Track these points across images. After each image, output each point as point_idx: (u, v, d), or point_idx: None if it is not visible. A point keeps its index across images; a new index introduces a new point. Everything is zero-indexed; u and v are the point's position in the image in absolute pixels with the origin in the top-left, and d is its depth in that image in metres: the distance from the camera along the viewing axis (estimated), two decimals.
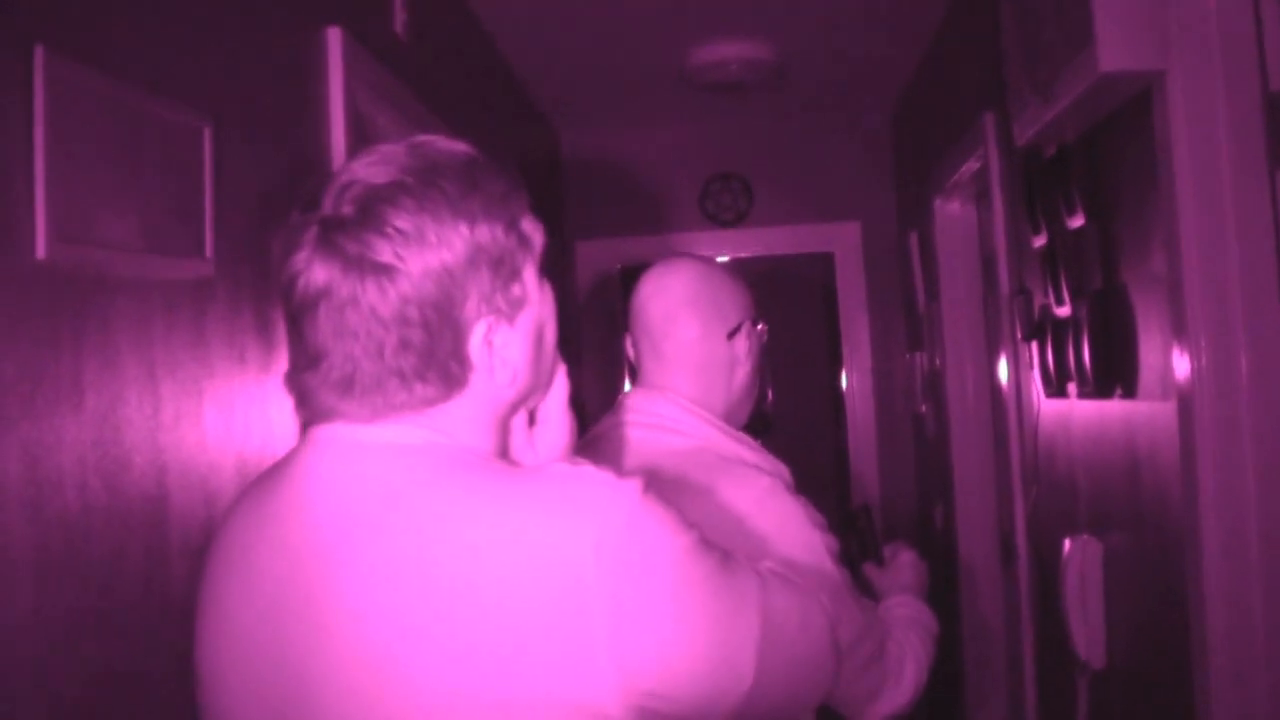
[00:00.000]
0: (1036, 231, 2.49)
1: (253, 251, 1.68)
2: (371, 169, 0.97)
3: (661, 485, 0.97)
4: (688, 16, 3.43)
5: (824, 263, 5.01)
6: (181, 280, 1.51)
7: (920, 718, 3.83)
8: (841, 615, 1.31)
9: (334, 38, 2.08)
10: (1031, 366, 2.63)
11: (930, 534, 4.14)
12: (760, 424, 1.81)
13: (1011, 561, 3.09)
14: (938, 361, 3.85)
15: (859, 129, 4.69)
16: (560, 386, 1.12)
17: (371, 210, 0.94)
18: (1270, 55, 1.69)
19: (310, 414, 1.00)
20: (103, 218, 1.31)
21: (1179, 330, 1.77)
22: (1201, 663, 1.74)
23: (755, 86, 3.90)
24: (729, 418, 1.67)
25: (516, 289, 1.01)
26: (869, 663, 1.49)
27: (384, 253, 0.93)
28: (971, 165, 3.21)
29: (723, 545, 0.98)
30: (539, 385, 1.08)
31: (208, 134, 1.54)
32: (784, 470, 1.62)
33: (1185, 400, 1.76)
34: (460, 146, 1.03)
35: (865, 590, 1.73)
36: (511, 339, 1.01)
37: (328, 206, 0.96)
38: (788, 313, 5.84)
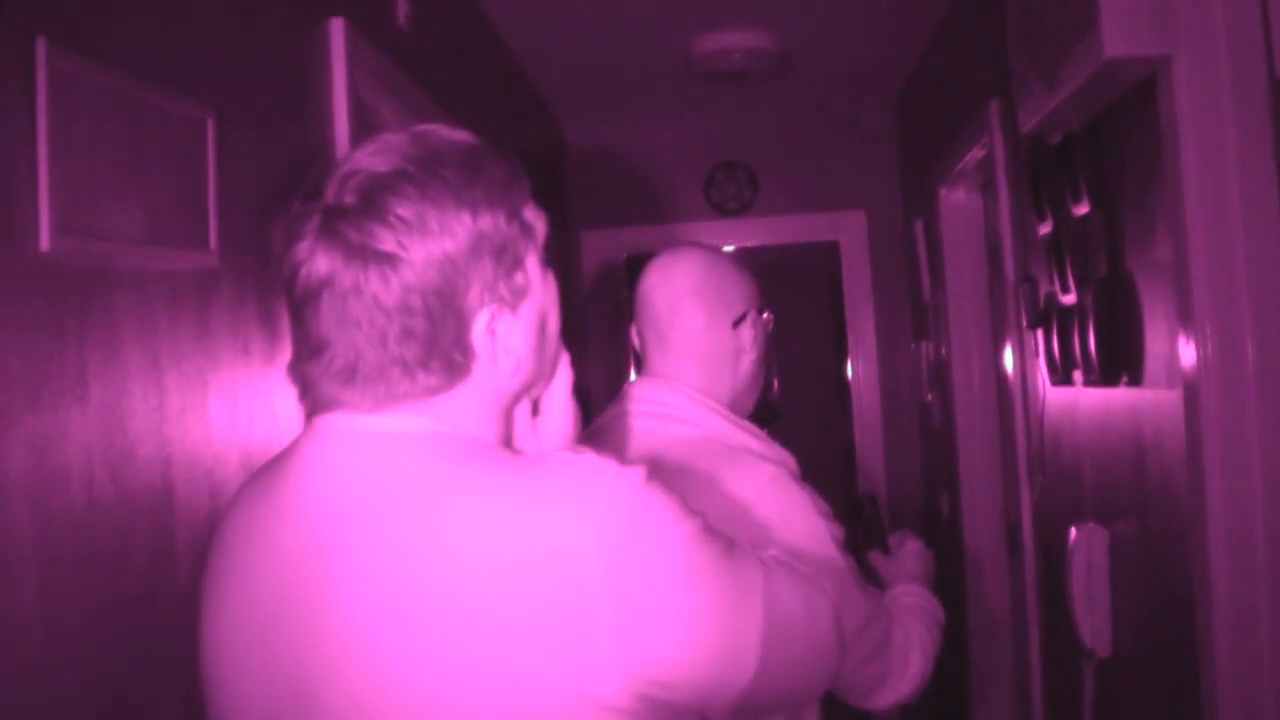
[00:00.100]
0: (1042, 219, 2.49)
1: (257, 243, 1.68)
2: (374, 158, 0.97)
3: (665, 474, 0.97)
4: (691, 5, 3.42)
5: (829, 252, 5.00)
6: (185, 272, 1.51)
7: (927, 706, 3.85)
8: (847, 603, 1.31)
9: (337, 28, 2.08)
10: (1037, 355, 2.62)
11: (936, 523, 4.14)
12: (766, 413, 1.81)
13: (1017, 550, 3.08)
14: (943, 350, 3.85)
15: (863, 117, 4.68)
16: (564, 375, 1.12)
17: (374, 199, 0.94)
18: (1276, 40, 1.68)
19: (313, 404, 1.00)
20: (106, 210, 1.31)
21: (1185, 318, 1.76)
22: (1207, 650, 1.73)
23: (759, 75, 3.89)
24: (735, 406, 1.67)
25: (519, 277, 1.00)
26: (874, 651, 1.49)
27: (387, 241, 0.93)
28: (976, 153, 3.20)
29: (727, 533, 0.98)
30: (542, 374, 1.08)
31: (211, 125, 1.54)
32: (789, 459, 1.62)
33: (1191, 388, 1.75)
34: (462, 135, 1.03)
35: (871, 579, 1.73)
36: (514, 328, 1.01)
37: (330, 195, 0.96)
38: (793, 302, 5.83)
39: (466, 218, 0.96)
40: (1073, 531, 2.27)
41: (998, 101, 2.88)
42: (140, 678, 1.36)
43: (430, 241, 0.94)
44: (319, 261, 0.94)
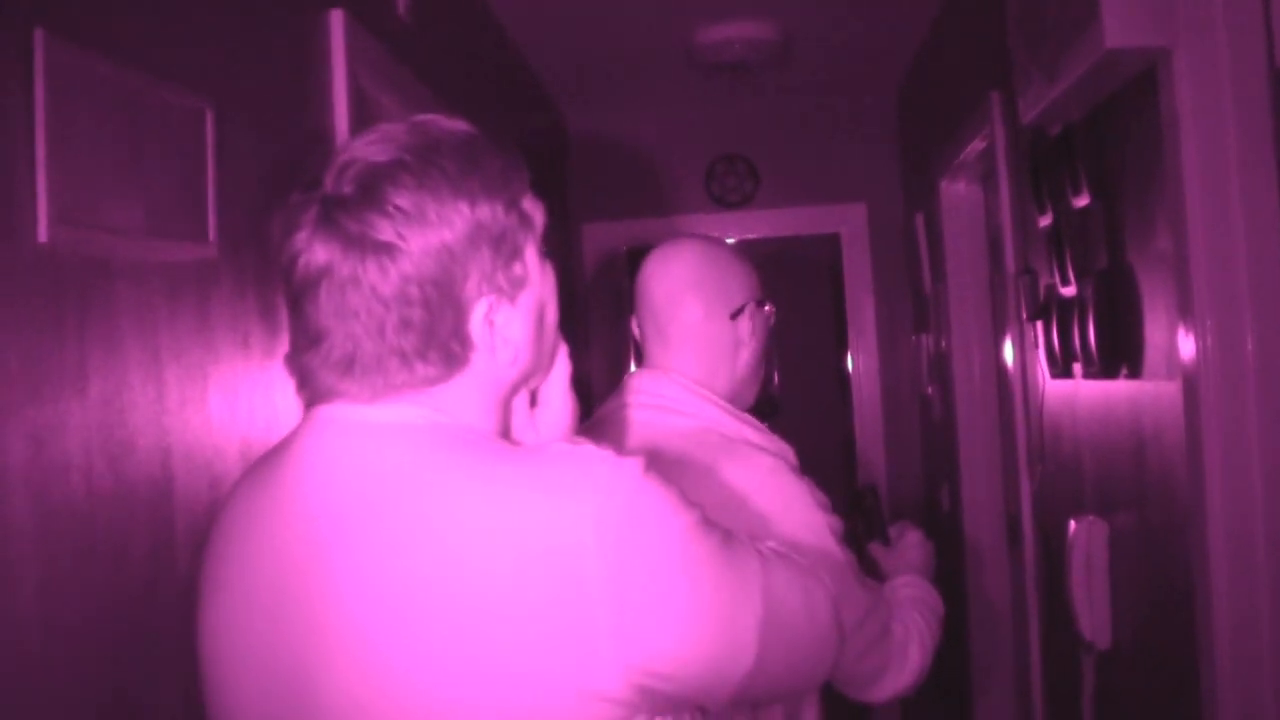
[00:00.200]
0: (1042, 211, 2.48)
1: (256, 235, 1.68)
2: (372, 148, 0.97)
3: (664, 465, 0.97)
4: None
5: (830, 244, 5.00)
6: (185, 264, 1.51)
7: (927, 698, 3.85)
8: (845, 596, 1.31)
9: (336, 20, 2.07)
10: (1037, 347, 2.62)
11: (936, 515, 4.14)
12: (767, 406, 1.81)
13: (1017, 543, 3.09)
14: (944, 343, 3.84)
15: (864, 109, 4.67)
16: (562, 366, 1.12)
17: (372, 189, 0.94)
18: (1276, 30, 1.67)
19: (311, 394, 1.00)
20: (105, 201, 1.30)
21: (1184, 310, 1.76)
22: (1207, 642, 1.73)
23: (760, 67, 3.89)
24: (734, 399, 1.67)
25: (517, 268, 1.00)
26: (873, 643, 1.49)
27: (385, 231, 0.93)
28: (977, 145, 3.19)
29: (725, 525, 0.98)
30: (540, 365, 1.08)
31: (210, 117, 1.54)
32: (788, 451, 1.62)
33: (1191, 380, 1.75)
34: (461, 125, 1.02)
35: (871, 570, 1.73)
36: (513, 318, 1.01)
37: (328, 185, 0.96)
38: (794, 294, 5.82)
39: (464, 208, 0.96)
40: (1072, 524, 2.27)
41: (998, 93, 2.87)
42: (140, 669, 1.36)
43: (428, 231, 0.94)
44: (317, 251, 0.94)
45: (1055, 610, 2.59)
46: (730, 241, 1.84)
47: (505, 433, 1.06)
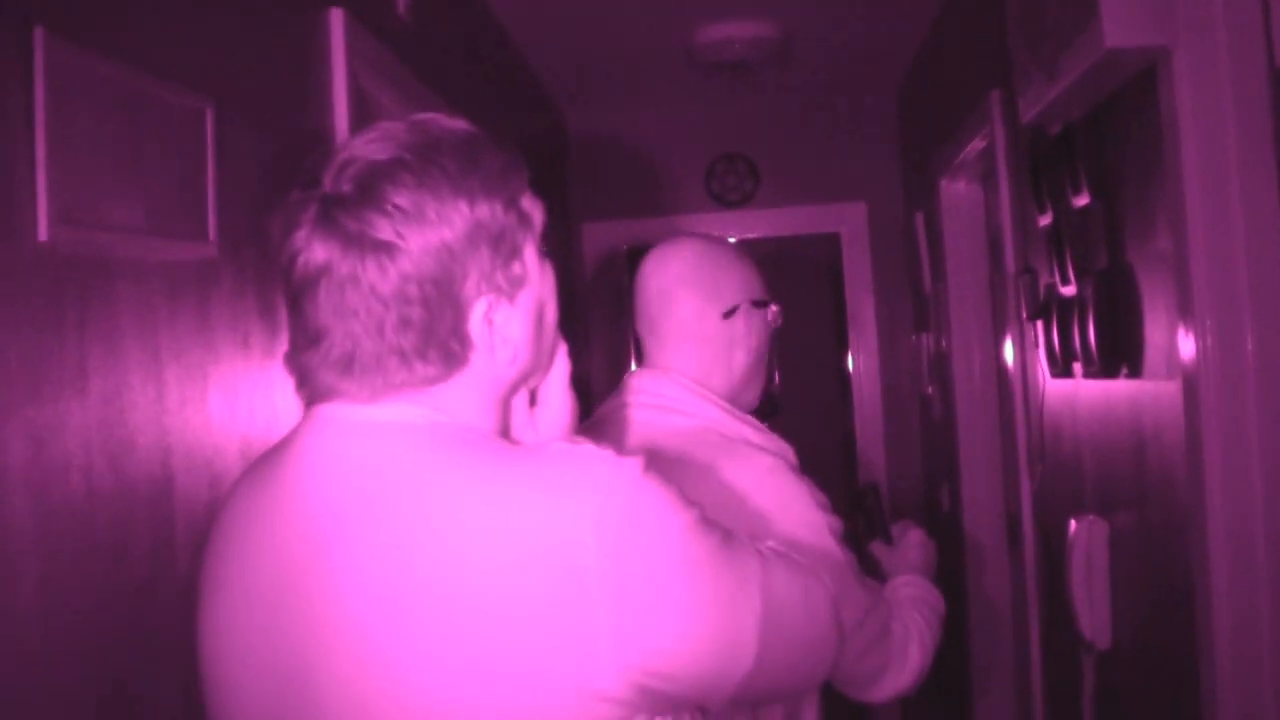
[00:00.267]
0: (1042, 210, 2.48)
1: (256, 234, 1.68)
2: (371, 146, 0.97)
3: (663, 464, 0.97)
4: None
5: (830, 243, 4.99)
6: (185, 263, 1.51)
7: (927, 698, 3.85)
8: (845, 596, 1.31)
9: (336, 19, 2.07)
10: (1037, 346, 2.62)
11: (936, 515, 4.14)
12: (768, 406, 1.81)
13: (1017, 542, 3.09)
14: (944, 342, 3.84)
15: (864, 108, 4.67)
16: (561, 366, 1.12)
17: (371, 188, 0.94)
18: (1276, 30, 1.67)
19: (311, 393, 1.00)
20: (105, 200, 1.31)
21: (1184, 309, 1.76)
22: (1207, 642, 1.73)
23: (760, 66, 3.89)
24: (733, 399, 1.66)
25: (517, 267, 1.00)
26: (873, 643, 1.49)
27: (384, 230, 0.93)
28: (977, 144, 3.19)
29: (725, 524, 0.98)
30: (540, 364, 1.08)
31: (210, 116, 1.54)
32: (788, 450, 1.62)
33: (1191, 380, 1.75)
34: (460, 124, 1.02)
35: (872, 569, 1.73)
36: (512, 317, 1.01)
37: (328, 184, 0.96)
38: (794, 294, 5.81)
39: (464, 206, 0.96)
40: (1072, 524, 2.27)
41: (998, 92, 2.87)
42: (140, 667, 1.36)
43: (427, 230, 0.94)
44: (316, 250, 0.94)
45: (1055, 610, 2.59)
46: (732, 240, 1.82)
47: (505, 432, 1.06)
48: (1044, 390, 2.64)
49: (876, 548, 1.79)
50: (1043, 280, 2.56)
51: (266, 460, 1.04)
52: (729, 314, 1.65)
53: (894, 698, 1.55)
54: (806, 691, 1.50)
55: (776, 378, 1.78)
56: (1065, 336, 2.35)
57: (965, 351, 3.71)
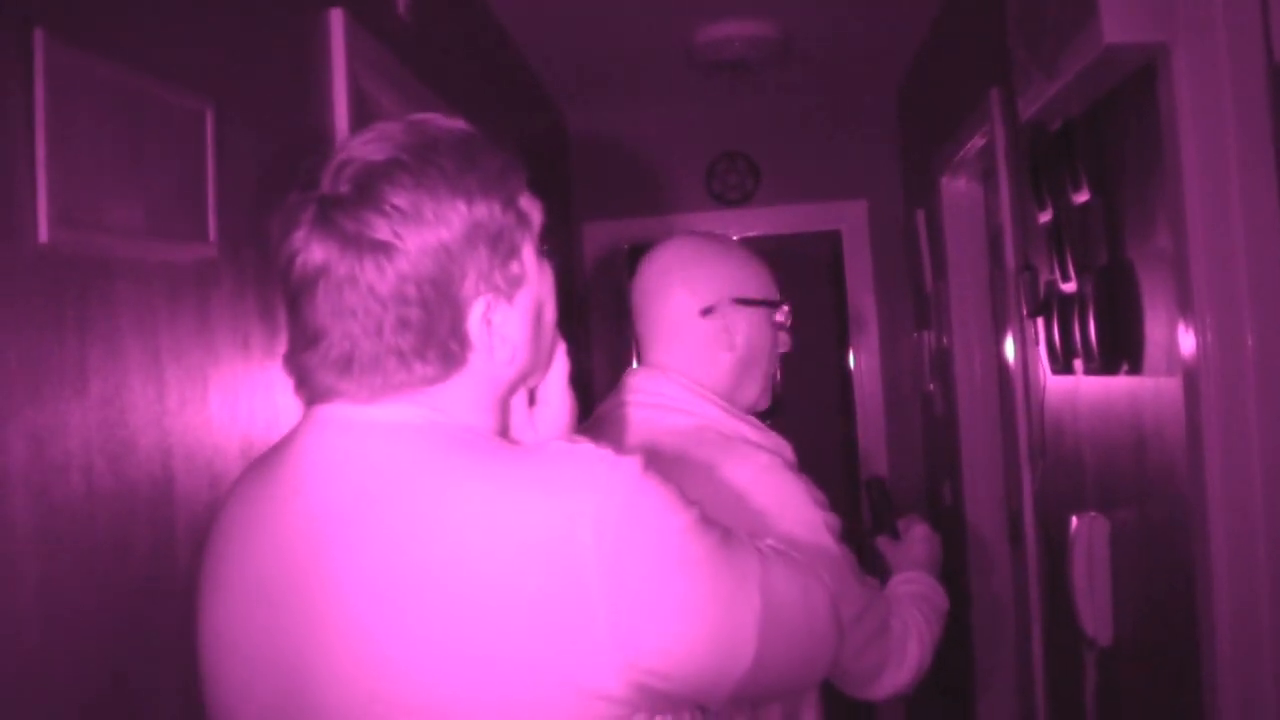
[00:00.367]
0: (1042, 207, 2.48)
1: (256, 235, 1.68)
2: (369, 147, 0.97)
3: (662, 463, 0.97)
4: None
5: (831, 242, 4.99)
6: (185, 263, 1.52)
7: (930, 695, 3.83)
8: (843, 593, 1.31)
9: (336, 20, 2.08)
10: (1038, 343, 2.62)
11: (938, 512, 4.15)
12: (771, 405, 1.80)
13: (1019, 539, 3.09)
14: (945, 339, 3.84)
15: (865, 106, 4.67)
16: (560, 365, 1.12)
17: (369, 188, 0.94)
18: (1275, 26, 1.67)
19: (310, 394, 1.00)
20: (105, 202, 1.31)
21: (1184, 305, 1.76)
22: (1208, 638, 1.74)
23: (760, 64, 3.89)
24: (728, 397, 1.65)
25: (515, 267, 1.01)
26: (871, 640, 1.49)
27: (382, 230, 0.93)
28: (977, 141, 3.19)
29: (724, 522, 0.98)
30: (539, 364, 1.08)
31: (210, 117, 1.54)
32: (786, 448, 1.61)
33: (1191, 376, 1.75)
34: (458, 124, 1.03)
35: (878, 564, 1.73)
36: (510, 317, 1.01)
37: (325, 185, 0.96)
38: (795, 292, 5.81)
39: (461, 206, 0.96)
40: (1074, 520, 2.27)
41: (998, 89, 2.87)
42: (140, 666, 1.36)
43: (425, 230, 0.94)
44: (314, 251, 0.94)
45: (1057, 606, 2.59)
46: (735, 239, 1.81)
47: (504, 432, 1.07)
48: (1045, 387, 2.64)
49: (882, 542, 1.79)
50: (1043, 277, 2.56)
51: (266, 460, 1.05)
52: (706, 312, 1.63)
53: (893, 695, 1.55)
54: (806, 689, 1.50)
55: (778, 375, 1.77)
56: (1066, 333, 2.35)
57: (966, 349, 3.71)
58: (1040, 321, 2.57)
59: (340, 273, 0.94)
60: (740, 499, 1.44)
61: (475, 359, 0.99)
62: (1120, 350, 2.08)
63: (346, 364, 0.96)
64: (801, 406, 5.66)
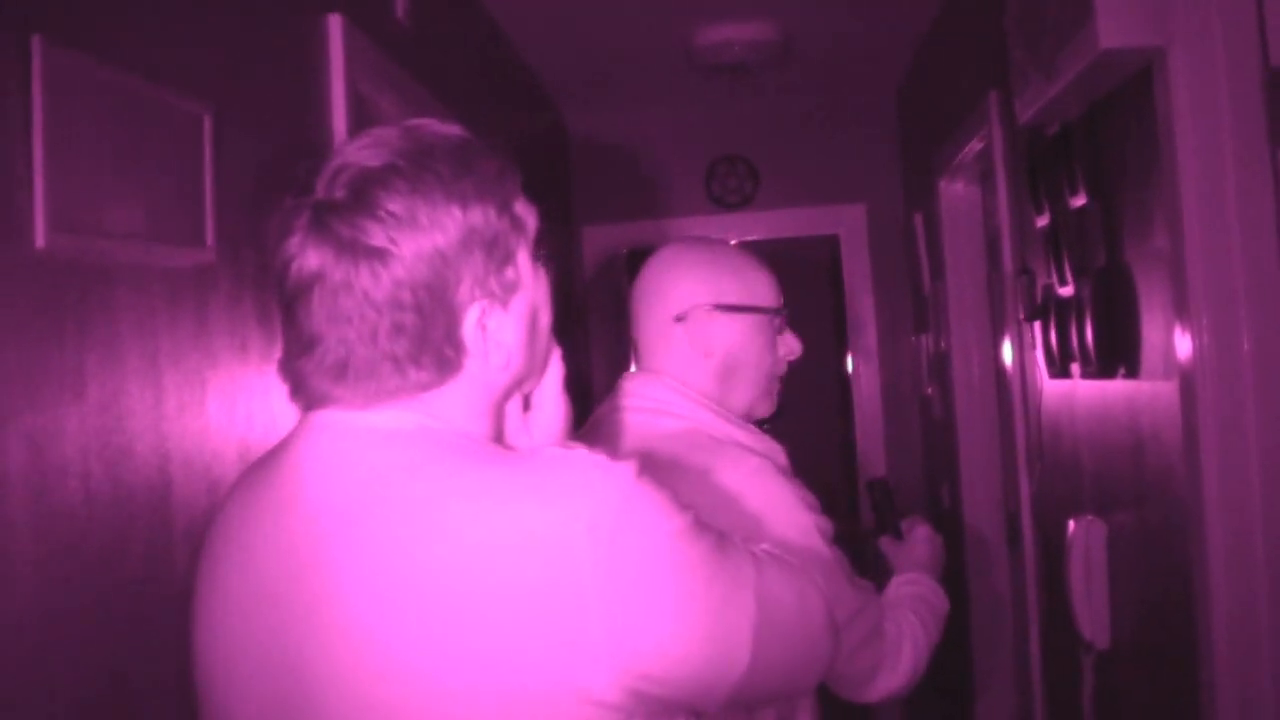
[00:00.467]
0: (1039, 211, 2.49)
1: (254, 239, 1.68)
2: (364, 152, 0.97)
3: (656, 468, 0.97)
4: None
5: (829, 245, 4.99)
6: (183, 268, 1.52)
7: (928, 698, 3.82)
8: (836, 596, 1.31)
9: (335, 24, 2.08)
10: (1035, 347, 2.62)
11: (937, 514, 4.15)
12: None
13: (1017, 542, 3.09)
14: (943, 343, 3.85)
15: (864, 110, 4.67)
16: (555, 370, 1.12)
17: (364, 193, 0.94)
18: (1271, 30, 1.68)
19: (305, 400, 1.00)
20: (103, 206, 1.31)
21: (1181, 309, 1.76)
22: (1206, 641, 1.74)
23: (759, 68, 3.89)
24: (722, 404, 1.64)
25: (510, 272, 1.01)
26: (864, 643, 1.48)
27: (377, 236, 0.93)
28: (975, 145, 3.20)
29: (718, 527, 0.99)
30: (534, 369, 1.08)
31: (208, 121, 1.55)
32: (778, 452, 1.61)
33: (1188, 379, 1.75)
34: (453, 129, 1.03)
35: (881, 564, 1.74)
36: (505, 322, 1.01)
37: (320, 190, 0.96)
38: (794, 295, 5.82)
39: (457, 212, 0.96)
40: (1071, 524, 2.27)
41: (996, 93, 2.88)
42: (138, 668, 1.36)
43: (420, 236, 0.94)
44: (309, 257, 0.95)
45: (1055, 610, 2.59)
46: (733, 243, 1.80)
47: (499, 437, 1.06)
48: (1042, 391, 2.64)
49: (885, 543, 1.80)
50: (1040, 281, 2.56)
51: (263, 465, 1.05)
52: (680, 319, 1.63)
53: (887, 698, 1.55)
54: (802, 694, 1.50)
55: (779, 381, 1.75)
56: (1063, 337, 2.35)
57: (964, 352, 3.72)
58: (1038, 325, 2.58)
59: (335, 279, 0.94)
60: (734, 503, 1.44)
61: (470, 365, 0.99)
62: (1117, 354, 2.08)
63: (342, 370, 0.96)
64: (800, 410, 5.65)
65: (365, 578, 0.91)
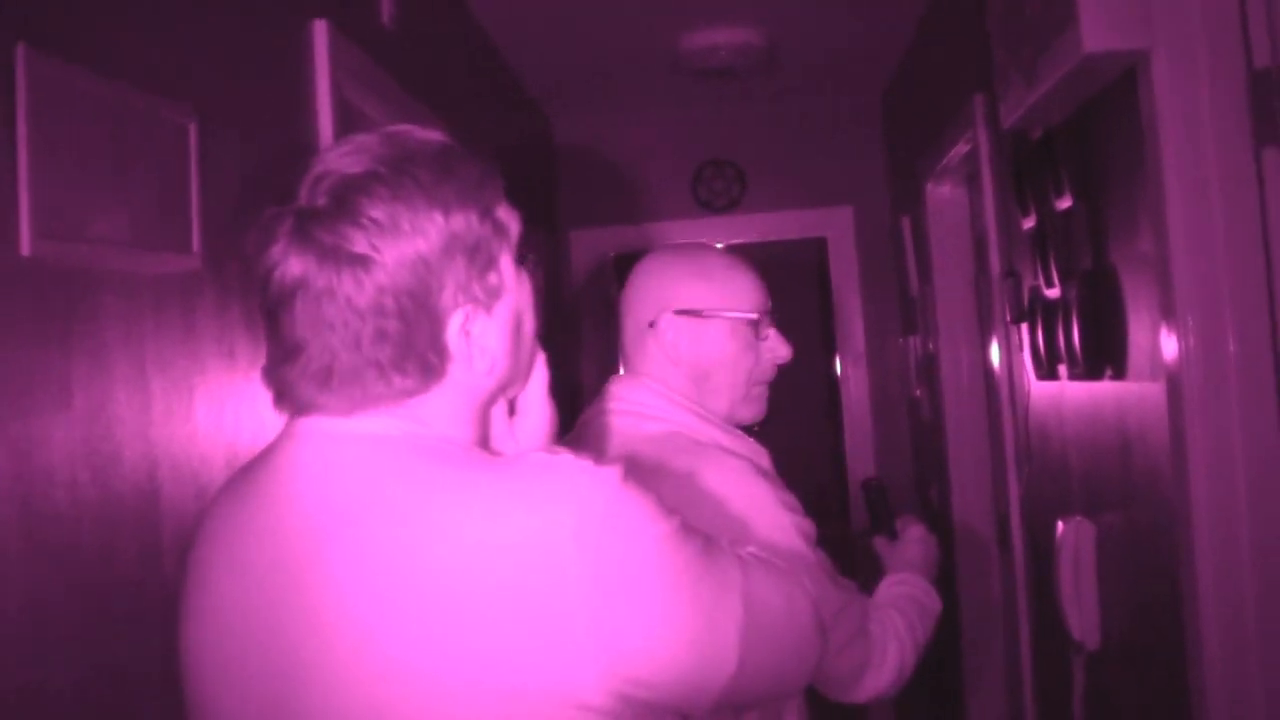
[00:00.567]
0: (1025, 214, 2.50)
1: (240, 246, 1.67)
2: (345, 159, 0.97)
3: (641, 471, 0.97)
4: (677, 2, 3.42)
5: (817, 248, 5.00)
6: (169, 275, 1.52)
7: (919, 699, 3.83)
8: (821, 596, 1.31)
9: (320, 30, 2.07)
10: (1022, 349, 2.63)
11: (927, 516, 4.15)
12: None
13: (1006, 544, 3.10)
14: (931, 345, 3.86)
15: (850, 114, 4.68)
16: (540, 375, 1.12)
17: (346, 201, 0.94)
18: (1254, 32, 1.68)
19: (290, 407, 1.00)
20: (89, 214, 1.31)
21: (1167, 310, 1.77)
22: (1194, 640, 1.74)
23: (746, 72, 3.90)
24: (705, 407, 1.64)
25: (493, 277, 1.01)
26: (848, 643, 1.48)
27: (359, 243, 0.94)
28: (961, 148, 3.20)
29: (704, 530, 0.99)
30: (518, 374, 1.08)
31: (193, 129, 1.54)
32: (762, 455, 1.61)
33: (1174, 380, 1.76)
34: (434, 135, 1.03)
35: (876, 565, 1.74)
36: (489, 328, 1.01)
37: (303, 198, 0.96)
38: (781, 298, 5.82)
39: (438, 217, 0.96)
40: (1060, 525, 2.28)
41: (981, 96, 2.88)
42: (126, 673, 1.36)
43: (402, 242, 0.94)
44: (292, 264, 0.95)
45: (1045, 611, 2.60)
46: (719, 247, 1.80)
47: (484, 442, 1.07)
48: (1030, 392, 2.65)
49: (879, 543, 1.80)
50: (1027, 283, 2.57)
51: (249, 472, 1.05)
52: (651, 324, 1.63)
53: (874, 698, 1.54)
54: (790, 695, 1.50)
55: (764, 386, 1.74)
56: (1050, 339, 2.36)
57: (953, 354, 3.72)
58: (1024, 327, 2.58)
59: (318, 286, 0.94)
60: (718, 506, 1.44)
61: (454, 370, 0.99)
62: (1104, 355, 2.09)
63: (326, 377, 0.96)
64: (789, 412, 5.66)
65: (361, 578, 0.91)
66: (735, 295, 1.64)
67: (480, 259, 0.99)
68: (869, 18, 3.63)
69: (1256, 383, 1.71)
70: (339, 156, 0.98)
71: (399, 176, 0.96)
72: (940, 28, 3.44)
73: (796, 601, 1.04)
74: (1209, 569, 1.71)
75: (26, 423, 1.19)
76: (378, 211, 0.94)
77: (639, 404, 1.60)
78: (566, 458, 0.94)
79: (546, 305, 1.12)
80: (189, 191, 1.53)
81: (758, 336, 1.66)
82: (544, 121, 4.65)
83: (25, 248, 1.18)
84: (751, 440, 1.64)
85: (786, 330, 1.70)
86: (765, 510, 1.48)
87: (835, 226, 4.77)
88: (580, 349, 4.77)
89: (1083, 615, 2.21)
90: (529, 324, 1.08)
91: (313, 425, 0.99)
